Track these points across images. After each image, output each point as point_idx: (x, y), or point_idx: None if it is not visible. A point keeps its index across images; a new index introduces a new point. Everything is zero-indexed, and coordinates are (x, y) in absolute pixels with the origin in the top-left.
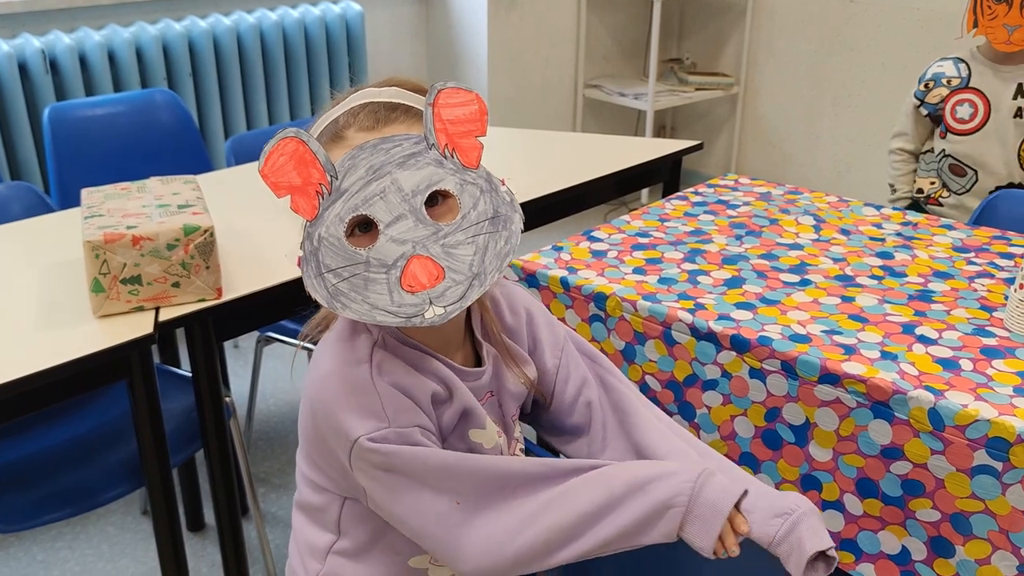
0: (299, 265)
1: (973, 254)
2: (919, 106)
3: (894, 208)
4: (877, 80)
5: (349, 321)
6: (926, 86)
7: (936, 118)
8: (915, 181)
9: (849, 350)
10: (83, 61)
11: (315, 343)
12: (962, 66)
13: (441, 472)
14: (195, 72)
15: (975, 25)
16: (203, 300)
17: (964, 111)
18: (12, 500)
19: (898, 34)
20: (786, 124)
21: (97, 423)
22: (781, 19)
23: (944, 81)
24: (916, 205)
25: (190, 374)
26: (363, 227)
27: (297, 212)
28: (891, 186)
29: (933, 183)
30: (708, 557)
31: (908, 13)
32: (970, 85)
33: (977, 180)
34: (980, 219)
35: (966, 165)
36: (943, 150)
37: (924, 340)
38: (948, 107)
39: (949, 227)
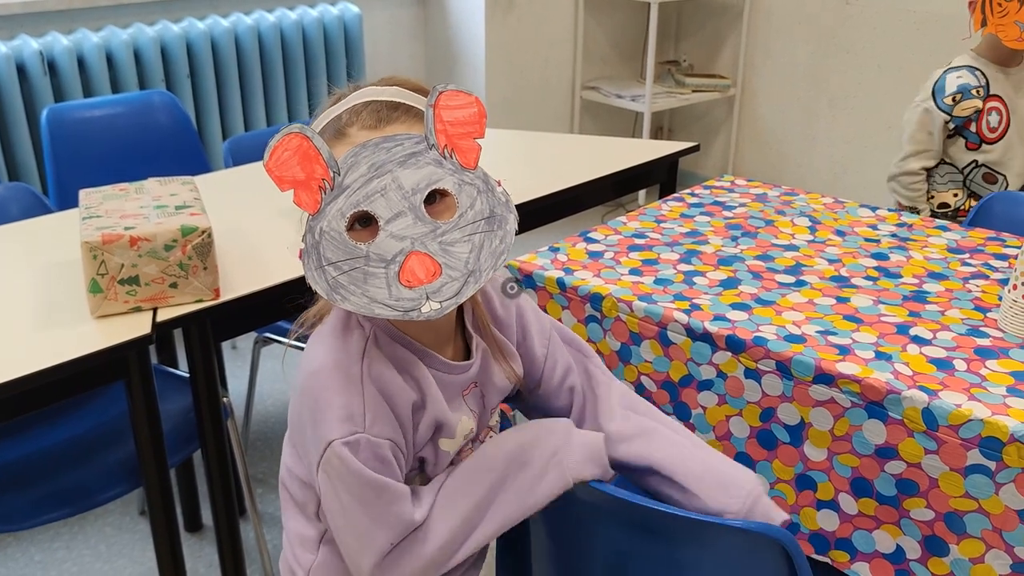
0: (300, 257)
1: (968, 255)
2: (948, 121)
3: (888, 209)
4: (873, 82)
5: (342, 316)
6: (953, 99)
7: (959, 129)
8: (932, 197)
9: (844, 350)
10: (81, 62)
11: (304, 340)
12: (978, 74)
13: (388, 508)
14: (193, 74)
15: (983, 23)
16: (201, 301)
17: (994, 119)
18: (10, 500)
19: (894, 36)
20: (783, 126)
21: (95, 423)
22: (778, 21)
23: (973, 92)
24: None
25: (188, 375)
26: (363, 222)
27: (300, 206)
28: (912, 210)
29: (957, 195)
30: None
31: (904, 15)
32: (992, 92)
33: (1007, 185)
34: (975, 220)
35: (997, 172)
36: (974, 161)
37: (918, 340)
38: (984, 118)
39: (944, 228)
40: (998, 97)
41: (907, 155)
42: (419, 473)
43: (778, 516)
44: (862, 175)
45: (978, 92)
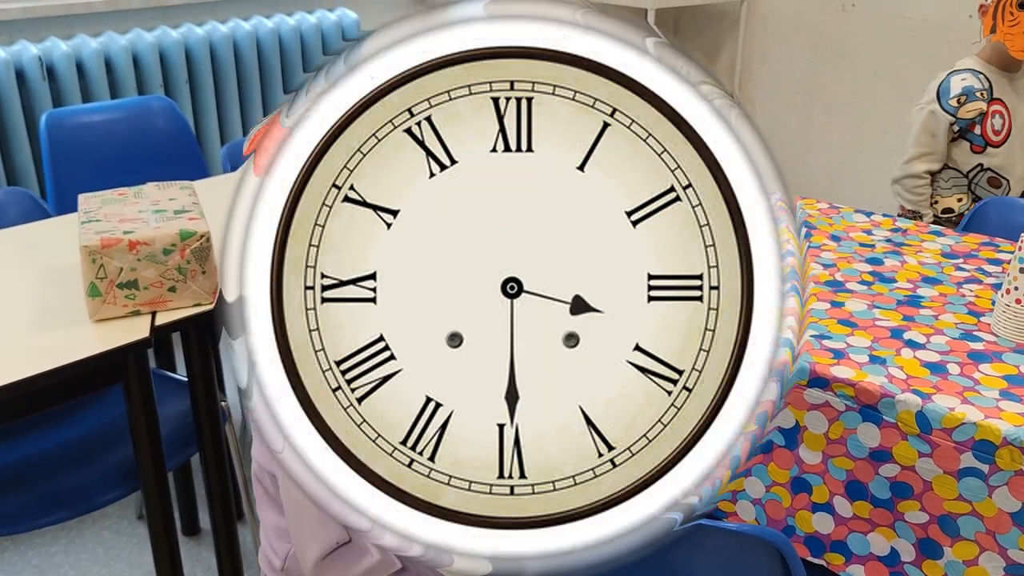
0: None
1: (961, 260)
2: (953, 123)
3: (883, 215)
4: (869, 88)
5: None
6: (958, 101)
7: (963, 132)
8: (936, 202)
9: (838, 354)
10: (80, 68)
11: None
12: (982, 77)
13: None
14: (191, 79)
15: (992, 30)
16: (199, 304)
17: (998, 122)
18: (7, 503)
19: (890, 42)
20: (779, 132)
21: (93, 427)
22: (774, 27)
23: (978, 94)
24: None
25: (186, 378)
26: None
27: None
28: (914, 213)
29: (961, 200)
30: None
31: (900, 22)
32: (995, 96)
33: (1010, 189)
34: (969, 225)
35: (1002, 176)
36: (980, 164)
37: (912, 344)
38: (988, 121)
39: (938, 233)
40: (1000, 101)
41: (911, 158)
42: None
43: None
44: (858, 181)
45: (982, 95)
